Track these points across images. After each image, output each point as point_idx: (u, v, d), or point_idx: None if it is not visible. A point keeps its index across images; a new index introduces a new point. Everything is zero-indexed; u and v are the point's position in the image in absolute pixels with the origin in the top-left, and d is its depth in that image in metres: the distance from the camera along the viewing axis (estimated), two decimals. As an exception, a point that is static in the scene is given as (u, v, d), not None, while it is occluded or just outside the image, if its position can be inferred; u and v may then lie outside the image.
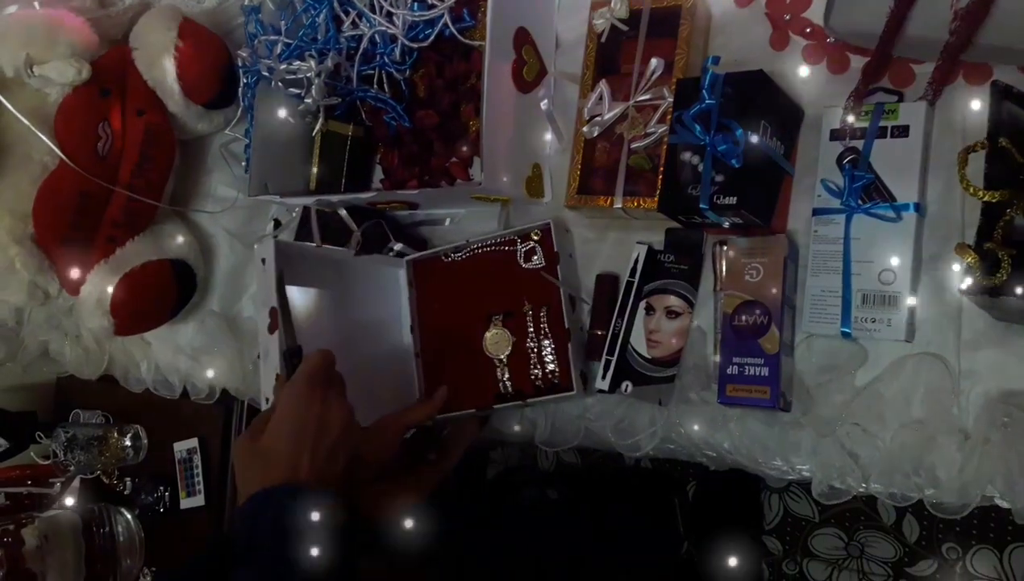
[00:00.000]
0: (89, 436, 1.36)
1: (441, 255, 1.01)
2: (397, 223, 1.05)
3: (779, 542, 1.51)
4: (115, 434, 1.36)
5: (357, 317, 1.01)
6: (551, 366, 0.93)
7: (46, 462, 1.41)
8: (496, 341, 0.97)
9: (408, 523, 0.90)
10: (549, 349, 0.93)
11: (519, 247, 0.96)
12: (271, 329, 0.88)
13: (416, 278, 1.03)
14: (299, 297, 0.95)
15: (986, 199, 0.58)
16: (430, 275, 1.02)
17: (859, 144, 0.77)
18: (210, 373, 1.21)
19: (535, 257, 0.95)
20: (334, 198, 1.02)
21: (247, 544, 0.72)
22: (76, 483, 1.43)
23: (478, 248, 0.99)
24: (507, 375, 0.96)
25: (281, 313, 0.87)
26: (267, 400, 0.88)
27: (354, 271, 1.01)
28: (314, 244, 0.99)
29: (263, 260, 0.90)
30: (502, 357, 0.96)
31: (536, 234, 0.95)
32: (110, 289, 1.11)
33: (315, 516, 0.71)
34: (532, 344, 0.94)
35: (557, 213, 0.96)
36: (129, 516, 1.37)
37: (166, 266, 1.15)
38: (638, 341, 0.87)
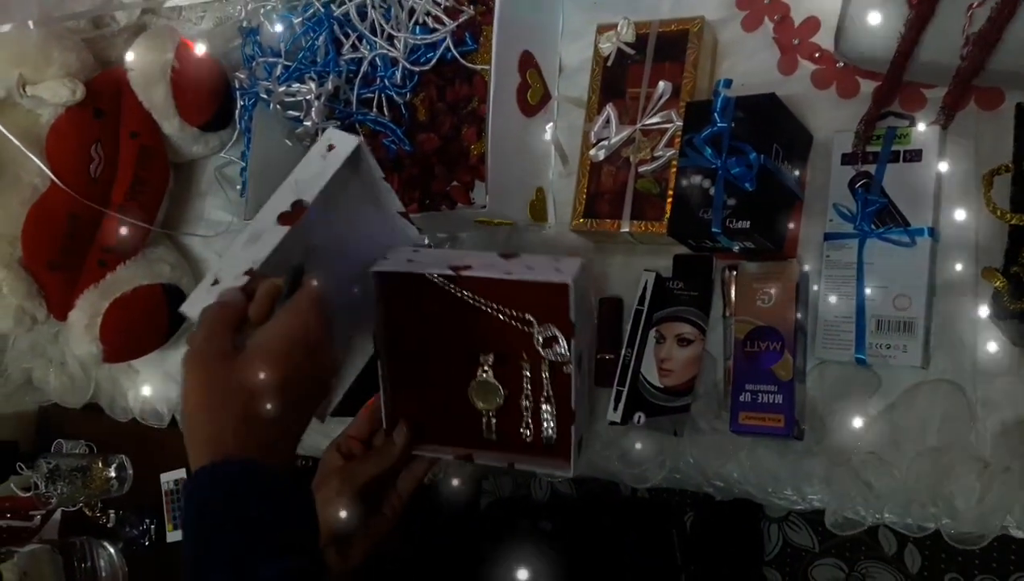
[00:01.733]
0: (72, 467, 1.32)
1: (428, 275, 0.81)
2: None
3: (779, 573, 1.49)
4: (99, 464, 1.33)
5: (351, 261, 0.84)
6: (548, 431, 0.82)
7: (27, 494, 1.37)
8: (485, 393, 0.83)
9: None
10: (548, 414, 0.82)
11: (537, 332, 0.79)
12: (284, 220, 0.71)
13: (386, 294, 0.83)
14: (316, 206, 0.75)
15: (1014, 222, 0.57)
16: (409, 294, 0.83)
17: (871, 168, 0.76)
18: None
19: (558, 347, 0.79)
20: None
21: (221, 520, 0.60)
22: (57, 515, 1.39)
23: (478, 291, 0.81)
24: (493, 425, 0.84)
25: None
26: (216, 281, 0.71)
27: (371, 218, 0.84)
28: (383, 176, 0.81)
29: (330, 147, 0.75)
30: (490, 409, 0.84)
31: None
32: (99, 314, 1.08)
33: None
34: (528, 403, 0.82)
35: (577, 252, 0.89)
36: (112, 550, 1.33)
37: (157, 291, 1.13)
38: (649, 370, 0.85)
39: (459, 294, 0.81)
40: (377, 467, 0.81)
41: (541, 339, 0.80)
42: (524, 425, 0.83)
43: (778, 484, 0.83)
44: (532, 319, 0.80)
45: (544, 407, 0.82)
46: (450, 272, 0.80)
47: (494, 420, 0.84)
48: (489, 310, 0.81)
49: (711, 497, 0.92)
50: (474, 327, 0.82)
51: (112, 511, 1.35)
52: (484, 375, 0.83)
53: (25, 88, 1.00)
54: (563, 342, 0.79)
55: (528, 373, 0.82)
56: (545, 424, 0.83)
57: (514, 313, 0.81)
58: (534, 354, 0.81)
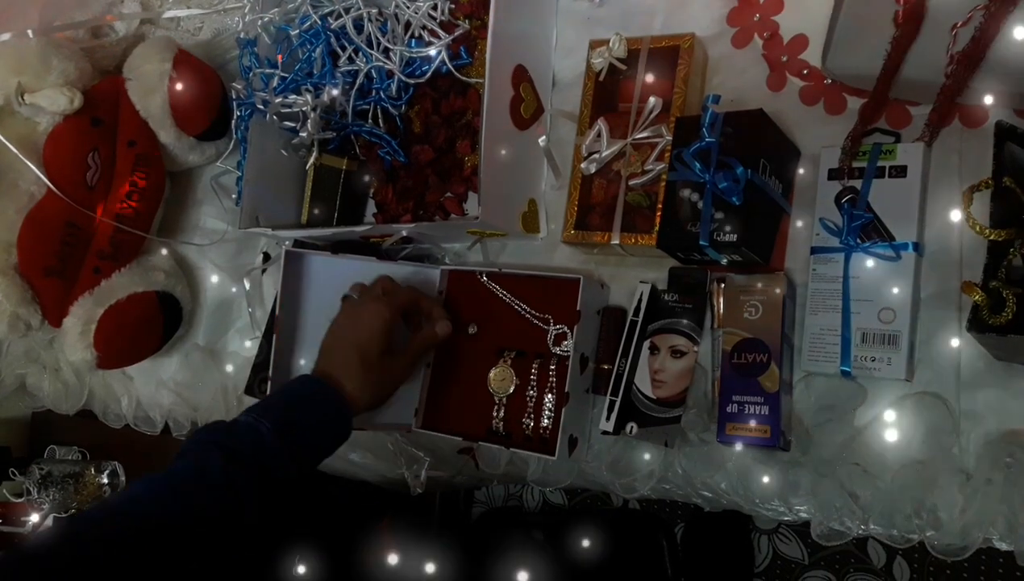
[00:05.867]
0: (65, 473, 1.32)
1: (476, 273, 0.97)
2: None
3: (768, 585, 1.49)
4: (92, 471, 1.33)
5: None
6: (546, 422, 0.90)
7: (19, 500, 1.37)
8: (501, 379, 0.94)
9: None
10: (549, 405, 0.90)
11: (551, 329, 0.92)
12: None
13: (448, 290, 0.99)
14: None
15: (992, 238, 0.58)
16: (461, 291, 0.99)
17: (857, 184, 0.77)
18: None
19: (566, 343, 0.91)
20: (327, 231, 1.01)
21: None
22: (49, 522, 1.38)
23: (510, 289, 0.95)
24: (502, 414, 0.93)
25: None
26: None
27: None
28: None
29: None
30: (502, 396, 0.94)
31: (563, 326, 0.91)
32: (94, 321, 1.09)
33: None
34: (532, 393, 0.92)
35: (588, 267, 0.95)
36: (103, 556, 1.32)
37: (152, 298, 1.13)
38: (643, 381, 0.86)
39: (499, 293, 0.96)
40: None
41: (553, 335, 0.91)
42: (527, 415, 0.91)
43: (765, 495, 0.84)
44: (549, 317, 0.93)
45: (547, 398, 0.90)
46: (494, 269, 0.96)
47: (504, 410, 0.93)
48: (516, 307, 0.95)
49: (701, 509, 0.93)
50: (503, 322, 0.95)
51: (103, 518, 1.35)
52: (503, 366, 0.94)
53: (24, 96, 1.01)
54: (570, 337, 0.89)
55: (536, 367, 0.92)
56: (545, 415, 0.90)
57: (535, 312, 0.94)
58: (547, 351, 0.92)
